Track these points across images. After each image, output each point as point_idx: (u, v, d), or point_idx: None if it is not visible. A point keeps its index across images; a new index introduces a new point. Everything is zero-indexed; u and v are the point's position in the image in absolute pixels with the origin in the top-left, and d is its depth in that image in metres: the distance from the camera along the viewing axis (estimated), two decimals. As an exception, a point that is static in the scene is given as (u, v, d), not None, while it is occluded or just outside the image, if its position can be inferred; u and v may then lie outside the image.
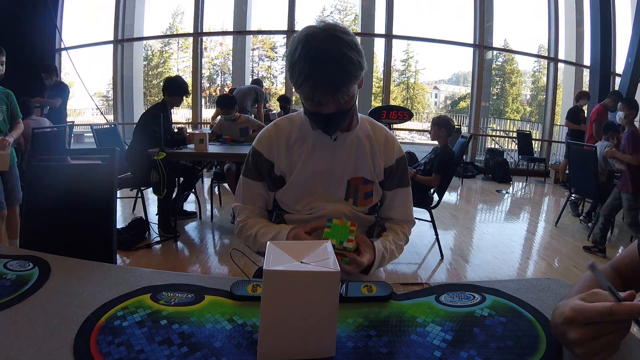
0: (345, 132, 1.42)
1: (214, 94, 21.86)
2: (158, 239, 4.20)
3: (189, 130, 5.27)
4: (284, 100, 7.87)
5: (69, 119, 7.42)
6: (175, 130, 4.83)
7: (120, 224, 4.35)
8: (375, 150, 1.46)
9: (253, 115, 6.42)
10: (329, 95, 1.21)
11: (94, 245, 1.69)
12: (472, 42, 10.29)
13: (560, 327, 0.76)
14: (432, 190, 4.20)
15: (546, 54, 11.31)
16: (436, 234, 4.14)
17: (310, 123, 1.41)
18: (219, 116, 5.49)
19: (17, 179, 3.44)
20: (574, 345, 0.73)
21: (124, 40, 10.35)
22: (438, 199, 4.08)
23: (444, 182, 4.04)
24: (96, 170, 1.76)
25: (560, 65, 11.00)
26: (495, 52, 16.17)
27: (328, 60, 1.16)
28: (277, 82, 25.44)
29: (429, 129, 4.31)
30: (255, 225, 1.44)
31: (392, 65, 10.76)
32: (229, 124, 5.18)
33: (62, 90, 6.74)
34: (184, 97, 4.64)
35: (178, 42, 23.96)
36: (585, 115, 7.74)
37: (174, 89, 4.40)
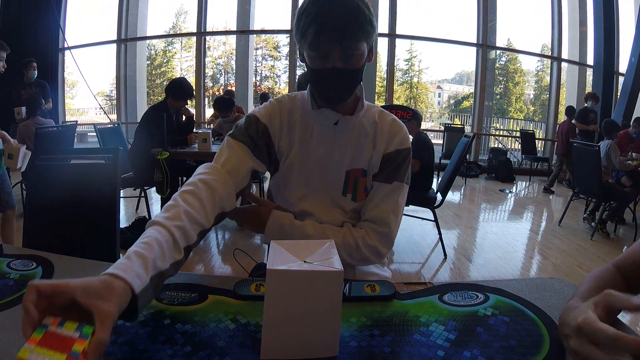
0: (348, 116, 1.29)
1: (217, 93, 21.93)
2: (161, 238, 4.19)
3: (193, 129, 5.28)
4: None
5: (72, 119, 7.44)
6: (183, 118, 4.80)
7: (123, 223, 4.36)
8: (378, 136, 1.32)
9: None
10: (336, 40, 1.11)
11: (97, 244, 1.69)
12: (475, 41, 10.28)
13: (566, 328, 0.76)
14: (435, 190, 4.20)
15: (549, 54, 11.30)
16: (439, 234, 4.14)
17: (312, 102, 1.29)
18: (218, 119, 5.50)
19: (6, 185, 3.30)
20: (571, 353, 0.74)
21: (127, 39, 10.37)
22: (441, 198, 4.08)
23: (427, 167, 4.13)
24: (99, 169, 1.76)
25: (564, 65, 10.98)
26: (498, 52, 16.13)
27: (337, 4, 1.10)
28: (280, 82, 25.49)
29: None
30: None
31: (395, 64, 10.75)
32: (228, 125, 5.21)
33: (46, 89, 6.53)
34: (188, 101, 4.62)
35: (181, 42, 24.00)
36: (596, 116, 7.77)
37: (180, 93, 4.37)
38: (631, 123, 6.36)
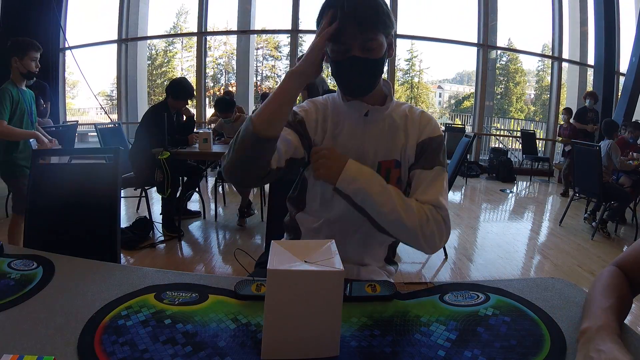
0: (378, 106, 1.31)
1: (217, 93, 21.95)
2: (162, 238, 4.20)
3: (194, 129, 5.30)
4: None
5: (73, 119, 7.47)
6: (184, 119, 4.80)
7: (124, 223, 4.36)
8: (409, 126, 1.33)
9: None
10: (355, 31, 1.16)
11: (98, 244, 1.69)
12: (476, 41, 10.26)
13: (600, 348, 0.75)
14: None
15: (550, 54, 11.29)
16: (440, 234, 4.13)
17: (341, 96, 1.32)
18: (219, 118, 5.51)
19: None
20: None
21: (127, 39, 10.37)
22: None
23: None
24: (100, 169, 1.76)
25: (565, 65, 10.96)
26: (499, 52, 16.13)
27: None
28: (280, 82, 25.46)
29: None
30: None
31: (396, 64, 10.75)
32: (229, 125, 5.22)
33: (46, 91, 6.61)
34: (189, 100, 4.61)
35: (182, 42, 23.97)
36: (595, 115, 7.75)
37: (180, 93, 4.37)
38: (624, 127, 6.29)
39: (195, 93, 5.50)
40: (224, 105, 5.22)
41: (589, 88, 10.31)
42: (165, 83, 4.43)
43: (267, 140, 1.13)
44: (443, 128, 10.76)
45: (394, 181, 1.31)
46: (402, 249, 4.22)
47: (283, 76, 1.26)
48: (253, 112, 1.18)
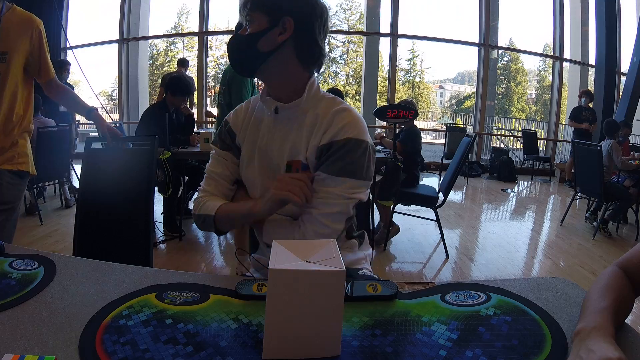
0: (284, 104, 1.25)
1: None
2: (163, 238, 4.20)
3: (194, 129, 5.29)
4: None
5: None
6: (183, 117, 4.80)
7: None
8: (316, 127, 1.22)
9: None
10: (240, 10, 1.23)
11: (131, 242, 1.72)
12: (477, 41, 10.26)
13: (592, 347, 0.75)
14: (437, 190, 4.20)
15: (551, 53, 11.28)
16: (441, 233, 4.13)
17: (262, 93, 1.32)
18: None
19: None
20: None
21: (129, 39, 10.37)
22: (443, 197, 4.07)
23: (413, 157, 4.34)
24: (135, 157, 1.80)
25: (566, 65, 10.97)
26: (500, 51, 16.14)
27: None
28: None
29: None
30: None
31: (397, 64, 10.74)
32: None
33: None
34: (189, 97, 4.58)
35: (183, 41, 23.98)
36: (592, 114, 7.72)
37: (178, 89, 4.36)
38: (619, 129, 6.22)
39: (195, 90, 5.49)
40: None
41: (590, 88, 10.31)
42: (165, 81, 4.43)
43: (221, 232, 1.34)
44: (444, 128, 10.73)
45: None
46: (403, 249, 4.22)
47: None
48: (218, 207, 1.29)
